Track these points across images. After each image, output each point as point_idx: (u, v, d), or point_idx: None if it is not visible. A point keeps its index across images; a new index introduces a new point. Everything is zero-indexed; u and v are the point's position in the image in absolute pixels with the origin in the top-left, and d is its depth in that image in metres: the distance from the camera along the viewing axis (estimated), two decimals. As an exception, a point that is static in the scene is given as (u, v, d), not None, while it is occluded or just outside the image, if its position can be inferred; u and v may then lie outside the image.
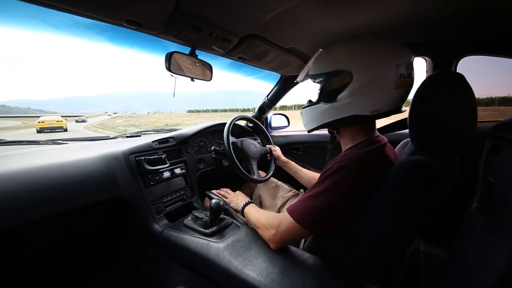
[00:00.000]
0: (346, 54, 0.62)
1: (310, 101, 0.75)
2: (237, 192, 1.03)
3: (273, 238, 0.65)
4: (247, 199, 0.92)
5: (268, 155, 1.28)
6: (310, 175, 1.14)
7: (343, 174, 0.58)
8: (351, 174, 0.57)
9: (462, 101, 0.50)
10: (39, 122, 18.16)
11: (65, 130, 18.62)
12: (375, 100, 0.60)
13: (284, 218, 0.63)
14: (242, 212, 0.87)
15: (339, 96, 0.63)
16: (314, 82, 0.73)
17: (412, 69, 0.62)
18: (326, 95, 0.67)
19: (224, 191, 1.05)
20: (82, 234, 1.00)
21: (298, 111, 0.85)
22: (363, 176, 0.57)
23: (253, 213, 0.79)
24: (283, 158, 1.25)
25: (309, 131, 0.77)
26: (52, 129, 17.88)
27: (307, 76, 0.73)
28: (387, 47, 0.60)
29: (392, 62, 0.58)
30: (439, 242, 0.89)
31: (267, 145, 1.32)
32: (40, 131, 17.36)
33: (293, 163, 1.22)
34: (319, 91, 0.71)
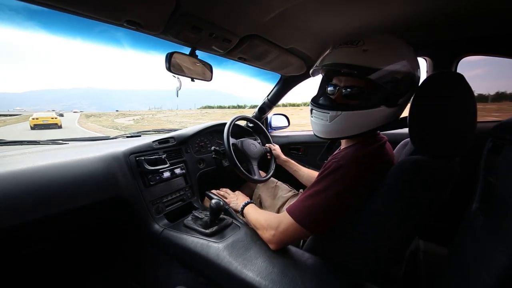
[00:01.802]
0: (409, 53, 0.58)
1: (350, 104, 0.61)
2: (237, 192, 1.03)
3: (272, 239, 0.65)
4: (246, 199, 0.91)
5: (268, 154, 1.28)
6: (309, 174, 1.14)
7: (343, 173, 0.57)
8: (350, 173, 0.57)
9: (462, 101, 0.50)
10: (33, 118, 17.72)
11: (60, 127, 18.34)
12: None
13: (284, 218, 0.63)
14: (241, 212, 0.86)
15: (400, 101, 0.58)
16: (374, 78, 0.55)
17: None
18: (389, 98, 0.58)
19: (224, 191, 1.05)
20: (82, 234, 1.00)
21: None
22: (362, 175, 0.57)
23: (252, 213, 0.79)
24: (283, 156, 1.25)
25: (339, 138, 0.67)
26: (47, 126, 17.53)
27: (374, 72, 0.55)
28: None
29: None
30: (439, 242, 0.89)
31: (266, 144, 1.32)
32: (34, 128, 17.02)
33: (292, 161, 1.22)
34: (377, 92, 0.58)
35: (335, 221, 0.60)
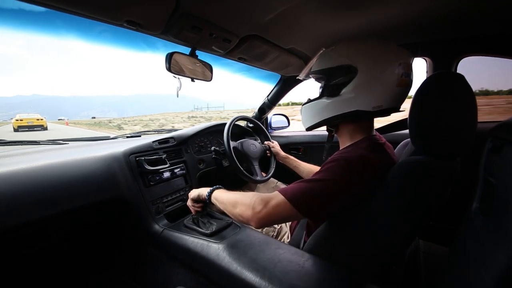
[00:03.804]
0: (352, 49, 0.64)
1: (309, 99, 0.74)
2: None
3: (257, 215, 0.58)
4: (209, 188, 0.79)
5: (267, 151, 1.28)
6: (310, 168, 1.14)
7: (343, 166, 0.57)
8: (350, 167, 0.56)
9: (462, 101, 0.50)
10: (17, 120, 16.09)
11: (45, 128, 16.97)
12: (378, 96, 0.61)
13: (274, 196, 0.59)
14: (209, 197, 0.75)
15: (342, 91, 0.64)
16: (317, 79, 0.73)
17: (411, 70, 0.64)
18: (329, 90, 0.67)
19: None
20: (82, 234, 1.00)
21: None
22: (365, 174, 0.57)
23: (226, 194, 0.71)
24: (282, 153, 1.25)
25: (307, 129, 0.76)
26: (31, 128, 15.99)
27: (310, 73, 0.73)
28: (389, 47, 0.62)
29: (395, 60, 0.60)
30: (439, 242, 0.89)
31: (265, 142, 1.32)
32: (18, 129, 15.48)
33: (292, 157, 1.22)
34: (321, 88, 0.71)
35: (326, 210, 0.58)
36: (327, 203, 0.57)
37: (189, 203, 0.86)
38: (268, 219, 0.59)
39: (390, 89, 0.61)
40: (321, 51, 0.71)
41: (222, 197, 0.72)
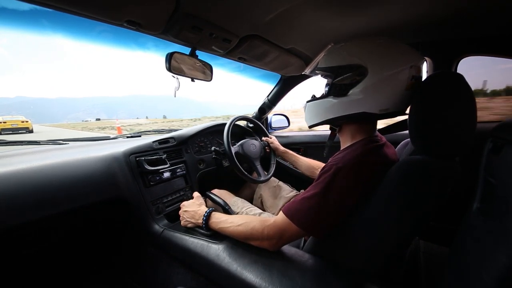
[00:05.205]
0: (362, 49, 0.61)
1: (314, 96, 0.73)
2: (191, 201, 0.87)
3: (274, 246, 0.64)
4: (205, 208, 0.79)
5: (266, 148, 1.28)
6: (308, 163, 1.14)
7: (341, 176, 0.57)
8: (349, 176, 0.57)
9: (462, 101, 0.50)
10: (0, 122, 15.18)
11: (31, 131, 15.95)
12: (386, 99, 0.60)
13: (287, 227, 0.60)
14: (205, 223, 0.75)
15: (350, 91, 0.61)
16: (324, 76, 0.71)
17: (421, 72, 0.62)
18: (336, 89, 0.65)
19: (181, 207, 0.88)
20: (82, 234, 1.00)
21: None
22: (361, 178, 0.57)
23: (231, 225, 0.69)
24: (281, 148, 1.25)
25: (310, 127, 0.75)
26: (15, 130, 14.99)
27: (317, 69, 0.71)
28: (400, 48, 0.60)
29: (407, 63, 0.58)
30: (439, 242, 0.89)
31: (263, 138, 1.32)
32: (1, 132, 14.43)
33: (291, 152, 1.22)
34: (327, 86, 0.69)
35: (336, 222, 0.60)
36: (332, 218, 0.59)
37: (182, 220, 0.84)
38: (283, 245, 0.66)
39: (399, 92, 0.59)
40: (329, 47, 0.68)
41: (224, 230, 0.71)
